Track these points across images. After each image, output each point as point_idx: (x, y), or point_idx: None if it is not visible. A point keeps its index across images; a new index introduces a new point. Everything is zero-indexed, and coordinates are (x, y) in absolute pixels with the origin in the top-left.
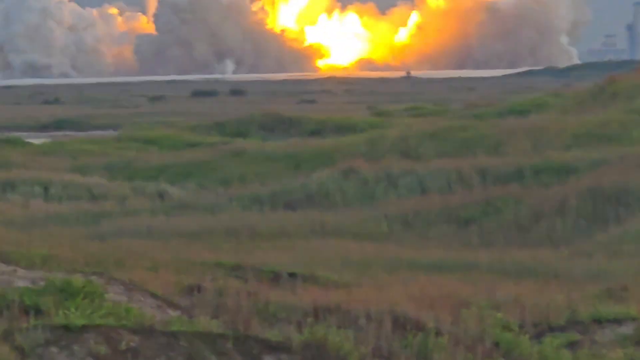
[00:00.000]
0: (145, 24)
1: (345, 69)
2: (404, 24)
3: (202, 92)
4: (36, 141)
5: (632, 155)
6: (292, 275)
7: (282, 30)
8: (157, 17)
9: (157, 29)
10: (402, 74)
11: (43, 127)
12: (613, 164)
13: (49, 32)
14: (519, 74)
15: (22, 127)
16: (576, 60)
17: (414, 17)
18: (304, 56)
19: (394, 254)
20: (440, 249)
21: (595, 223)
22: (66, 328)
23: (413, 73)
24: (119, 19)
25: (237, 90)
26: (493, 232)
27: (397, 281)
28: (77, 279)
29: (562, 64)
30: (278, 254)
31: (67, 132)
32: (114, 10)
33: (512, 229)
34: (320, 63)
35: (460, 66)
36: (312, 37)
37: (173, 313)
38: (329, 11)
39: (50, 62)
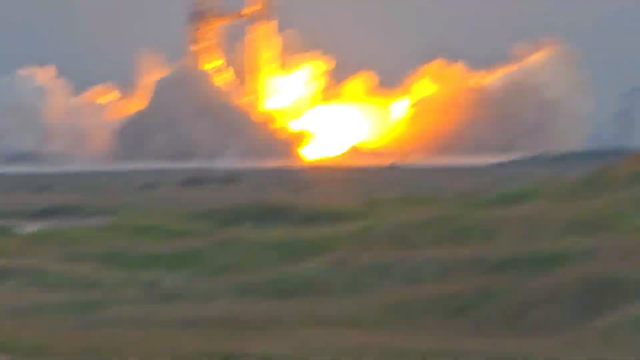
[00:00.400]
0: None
1: (336, 156)
2: (399, 107)
3: (194, 180)
4: (29, 229)
5: (624, 243)
6: None
7: (271, 118)
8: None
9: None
10: (394, 161)
11: (36, 215)
12: (605, 252)
13: (41, 117)
14: (511, 161)
15: (15, 215)
16: (568, 148)
17: (404, 105)
18: (293, 144)
19: (387, 343)
20: (432, 338)
21: (587, 312)
22: None
23: (405, 160)
24: (113, 102)
25: (229, 179)
26: (485, 321)
27: None
28: None
29: (555, 151)
30: (271, 344)
31: (60, 220)
32: (113, 96)
33: (504, 317)
34: (310, 151)
35: (453, 153)
36: (302, 123)
37: None
38: (320, 95)
39: (43, 149)
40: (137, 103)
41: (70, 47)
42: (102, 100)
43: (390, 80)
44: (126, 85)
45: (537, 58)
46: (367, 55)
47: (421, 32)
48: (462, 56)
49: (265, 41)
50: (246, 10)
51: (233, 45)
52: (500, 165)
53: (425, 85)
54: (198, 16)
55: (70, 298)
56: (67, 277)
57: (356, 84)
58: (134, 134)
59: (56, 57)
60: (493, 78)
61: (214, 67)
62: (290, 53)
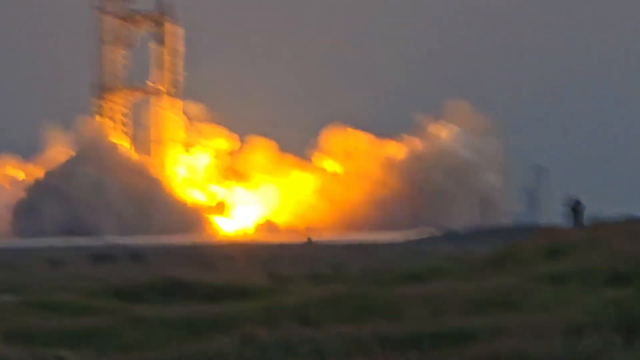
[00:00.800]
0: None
1: (245, 232)
2: (310, 183)
3: (100, 256)
4: None
5: (531, 321)
6: None
7: (179, 192)
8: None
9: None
10: (303, 237)
11: None
12: (512, 330)
13: None
14: (419, 238)
15: None
16: (476, 224)
17: (311, 181)
18: (203, 219)
19: None
20: None
21: None
22: None
23: (314, 237)
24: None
25: (136, 255)
26: None
27: None
28: None
29: (462, 228)
30: None
31: None
32: (19, 173)
33: None
34: (220, 226)
35: (361, 230)
36: (210, 198)
37: None
38: (230, 172)
39: None
40: (39, 176)
41: None
42: (4, 172)
43: (295, 151)
44: (30, 157)
45: (446, 130)
46: (269, 125)
47: (323, 101)
48: (366, 125)
49: (170, 115)
50: (152, 85)
51: (139, 119)
52: (408, 241)
53: (331, 160)
54: (104, 89)
55: None
56: None
57: (260, 156)
58: (31, 209)
59: None
60: (400, 150)
61: (120, 141)
62: (194, 125)
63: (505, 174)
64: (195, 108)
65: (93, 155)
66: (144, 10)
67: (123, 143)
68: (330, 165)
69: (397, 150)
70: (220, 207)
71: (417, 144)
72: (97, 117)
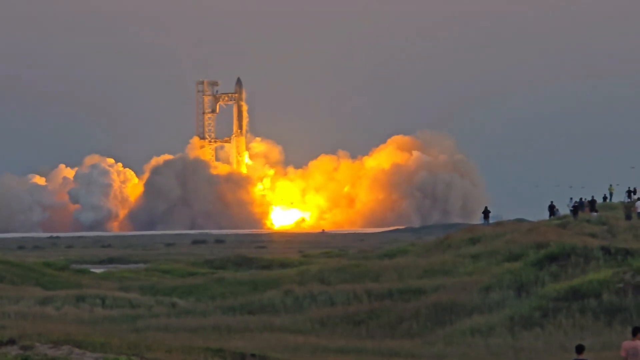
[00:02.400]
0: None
1: (286, 227)
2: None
3: (198, 241)
4: (97, 271)
5: (459, 282)
6: (253, 355)
7: (246, 202)
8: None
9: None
10: (320, 230)
11: (101, 262)
12: (448, 287)
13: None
14: (390, 230)
15: (89, 262)
16: (426, 222)
17: (326, 196)
18: (260, 218)
19: (315, 342)
20: (342, 340)
21: (437, 324)
22: None
23: (328, 230)
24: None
25: (219, 240)
26: (375, 329)
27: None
28: (123, 359)
29: (417, 224)
30: (244, 342)
31: (116, 265)
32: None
33: (386, 327)
34: (271, 222)
35: (357, 225)
36: (266, 205)
37: None
38: (276, 185)
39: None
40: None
41: (121, 149)
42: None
43: (318, 174)
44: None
45: (413, 156)
46: (301, 160)
47: (332, 139)
48: (358, 153)
49: (240, 150)
50: (230, 135)
51: (223, 154)
52: (385, 232)
53: (338, 181)
54: (202, 136)
55: (122, 313)
56: (120, 300)
57: (296, 180)
58: (150, 208)
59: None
60: (380, 171)
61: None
62: (254, 157)
63: (450, 189)
64: (254, 145)
65: (195, 169)
66: (224, 92)
67: (212, 163)
68: (338, 185)
69: (378, 172)
70: (272, 210)
71: (392, 167)
72: (197, 148)
